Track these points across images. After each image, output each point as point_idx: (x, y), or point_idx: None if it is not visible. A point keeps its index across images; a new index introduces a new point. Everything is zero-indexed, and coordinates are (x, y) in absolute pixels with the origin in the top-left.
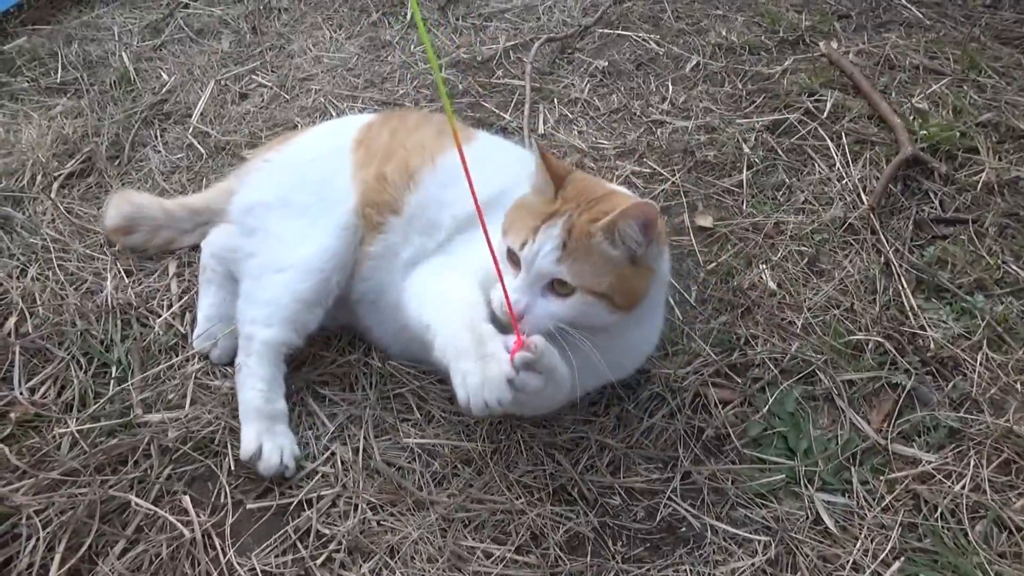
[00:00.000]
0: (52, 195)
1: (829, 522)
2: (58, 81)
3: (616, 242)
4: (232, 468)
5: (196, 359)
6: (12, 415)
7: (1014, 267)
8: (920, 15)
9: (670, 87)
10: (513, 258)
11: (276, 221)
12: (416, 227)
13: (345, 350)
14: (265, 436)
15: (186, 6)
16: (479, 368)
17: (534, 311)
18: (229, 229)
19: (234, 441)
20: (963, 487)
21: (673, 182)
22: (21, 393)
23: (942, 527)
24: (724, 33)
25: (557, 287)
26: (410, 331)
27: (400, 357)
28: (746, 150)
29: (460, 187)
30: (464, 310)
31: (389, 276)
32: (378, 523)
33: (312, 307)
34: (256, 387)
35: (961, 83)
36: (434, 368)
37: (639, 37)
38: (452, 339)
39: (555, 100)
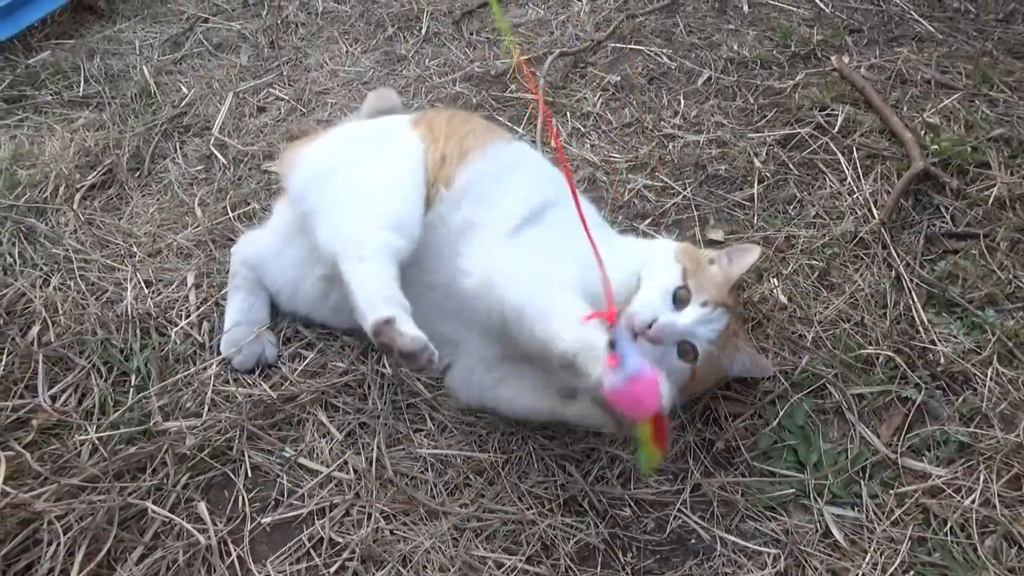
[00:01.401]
0: (74, 206)
1: (838, 535)
2: (80, 94)
3: (731, 362)
4: (249, 474)
5: (213, 368)
6: (34, 422)
7: None
8: (932, 29)
9: (682, 101)
10: (682, 299)
11: (343, 177)
12: (467, 197)
13: (357, 360)
14: (398, 317)
15: (206, 21)
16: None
17: (668, 348)
18: (260, 236)
19: (251, 448)
20: (973, 501)
21: (684, 196)
22: (44, 401)
23: (952, 541)
24: (736, 47)
25: (683, 350)
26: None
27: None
28: (757, 164)
29: (522, 175)
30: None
31: (433, 247)
32: (391, 532)
33: (415, 221)
34: (368, 283)
35: (973, 97)
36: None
37: (651, 51)
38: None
39: (568, 114)
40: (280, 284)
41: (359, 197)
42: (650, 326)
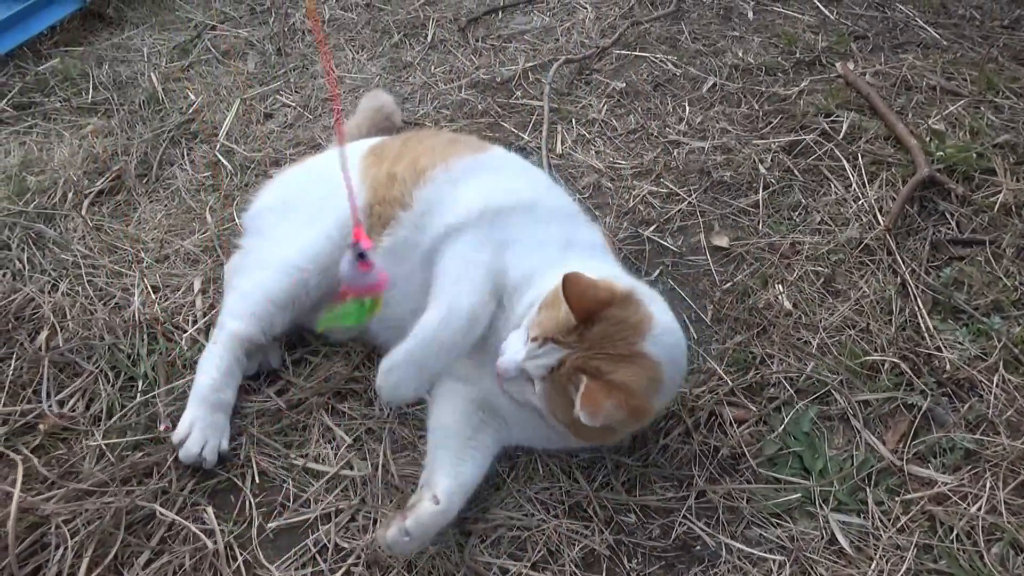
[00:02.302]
0: (83, 212)
1: (844, 542)
2: (89, 101)
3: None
4: (256, 479)
5: None
6: (42, 427)
7: None
8: (937, 36)
9: (687, 108)
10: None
11: (274, 223)
12: (430, 216)
13: (362, 365)
14: (197, 424)
15: (213, 28)
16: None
17: (515, 384)
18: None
19: (258, 453)
20: (979, 509)
21: (690, 202)
22: (51, 406)
23: (958, 549)
24: (741, 54)
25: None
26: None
27: None
28: (762, 171)
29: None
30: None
31: (403, 268)
32: None
33: (282, 308)
34: (210, 373)
35: (978, 104)
36: None
37: (656, 58)
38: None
39: (573, 120)
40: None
41: (253, 268)
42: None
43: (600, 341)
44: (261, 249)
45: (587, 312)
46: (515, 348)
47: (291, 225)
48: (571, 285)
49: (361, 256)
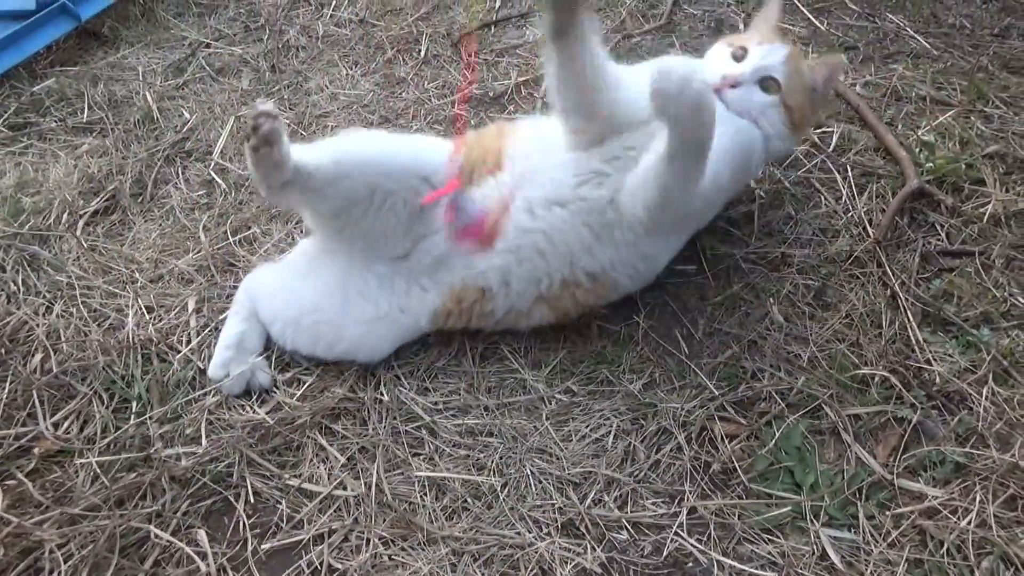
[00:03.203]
0: (78, 233)
1: (835, 558)
2: (84, 121)
3: (815, 76)
4: (251, 500)
5: (213, 393)
6: (36, 450)
7: (1021, 300)
8: (927, 45)
9: None
10: (738, 55)
11: None
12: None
13: (355, 386)
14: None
15: (207, 46)
16: None
17: (749, 88)
18: (271, 267)
19: (252, 474)
20: (969, 523)
21: None
22: (46, 428)
23: (948, 563)
24: None
25: (765, 86)
26: None
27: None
28: (752, 183)
29: None
30: None
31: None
32: (389, 558)
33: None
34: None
35: (968, 114)
36: None
37: None
38: None
39: None
40: (274, 313)
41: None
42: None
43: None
44: None
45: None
46: (720, 68)
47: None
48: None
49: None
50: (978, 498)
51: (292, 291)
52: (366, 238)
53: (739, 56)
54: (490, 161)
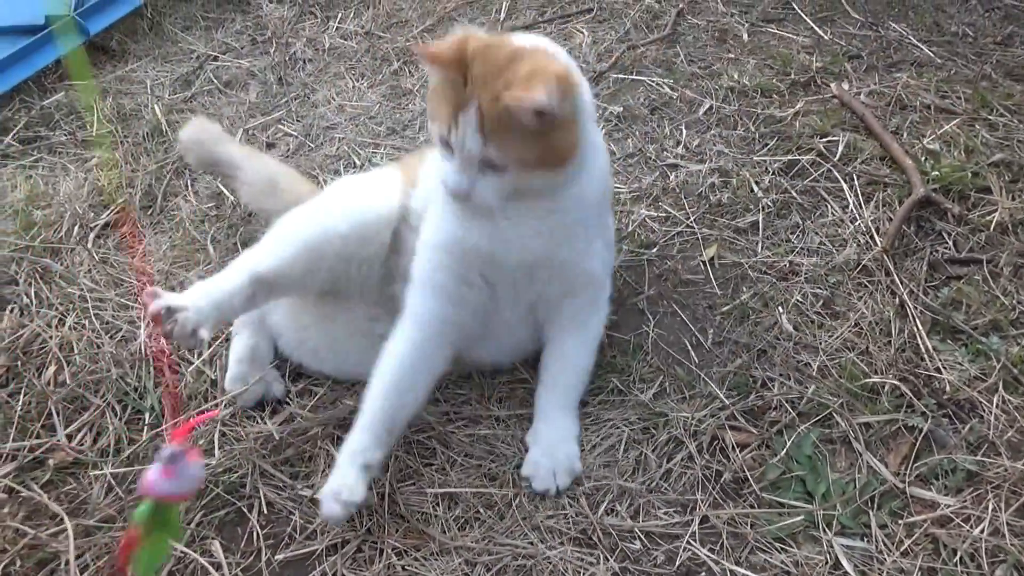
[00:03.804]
0: (89, 245)
1: (848, 567)
2: (93, 134)
3: (526, 117)
4: (264, 511)
5: (225, 405)
6: (51, 461)
7: None
8: (931, 54)
9: (684, 131)
10: (445, 144)
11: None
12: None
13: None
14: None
15: (215, 59)
16: None
17: (477, 191)
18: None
19: (265, 485)
20: (982, 531)
21: (688, 224)
22: (60, 440)
23: (962, 572)
24: (736, 76)
25: (492, 164)
26: None
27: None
28: (759, 192)
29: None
30: None
31: None
32: (403, 568)
33: (308, 251)
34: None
35: (973, 122)
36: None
37: (653, 82)
38: None
39: None
40: (282, 327)
41: (289, 220)
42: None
43: (484, 73)
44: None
45: (458, 61)
46: (440, 169)
47: (331, 194)
48: (426, 53)
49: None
50: (991, 506)
51: (295, 312)
52: (353, 293)
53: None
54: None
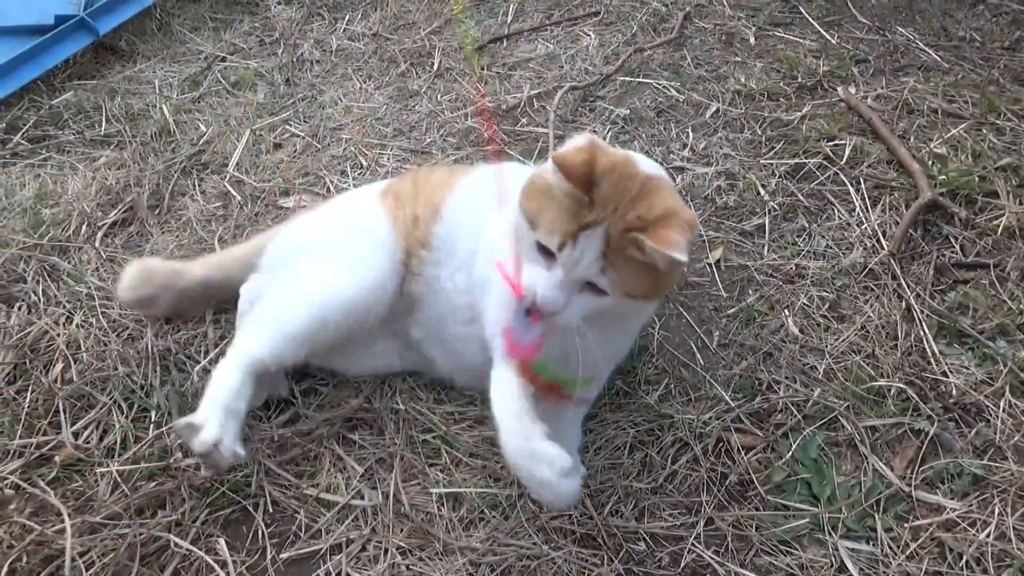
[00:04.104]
0: (96, 244)
1: (854, 570)
2: (102, 133)
3: (663, 263)
4: (269, 509)
5: None
6: (57, 459)
7: None
8: (938, 58)
9: (690, 134)
10: (546, 252)
11: (307, 264)
12: (444, 255)
13: (372, 396)
14: (211, 422)
15: (223, 60)
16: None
17: (571, 309)
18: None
19: (270, 484)
20: (988, 535)
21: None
22: (66, 437)
23: None
24: (743, 80)
25: (595, 288)
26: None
27: (465, 388)
28: (765, 196)
29: (474, 209)
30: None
31: (439, 308)
32: (407, 567)
33: (300, 342)
34: (223, 383)
35: (980, 126)
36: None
37: (659, 85)
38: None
39: None
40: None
41: (275, 300)
42: (548, 309)
43: (615, 197)
44: (288, 282)
45: (588, 177)
46: (538, 276)
47: (324, 264)
48: (561, 163)
49: (528, 312)
50: (997, 511)
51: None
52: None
53: (547, 252)
54: (420, 232)
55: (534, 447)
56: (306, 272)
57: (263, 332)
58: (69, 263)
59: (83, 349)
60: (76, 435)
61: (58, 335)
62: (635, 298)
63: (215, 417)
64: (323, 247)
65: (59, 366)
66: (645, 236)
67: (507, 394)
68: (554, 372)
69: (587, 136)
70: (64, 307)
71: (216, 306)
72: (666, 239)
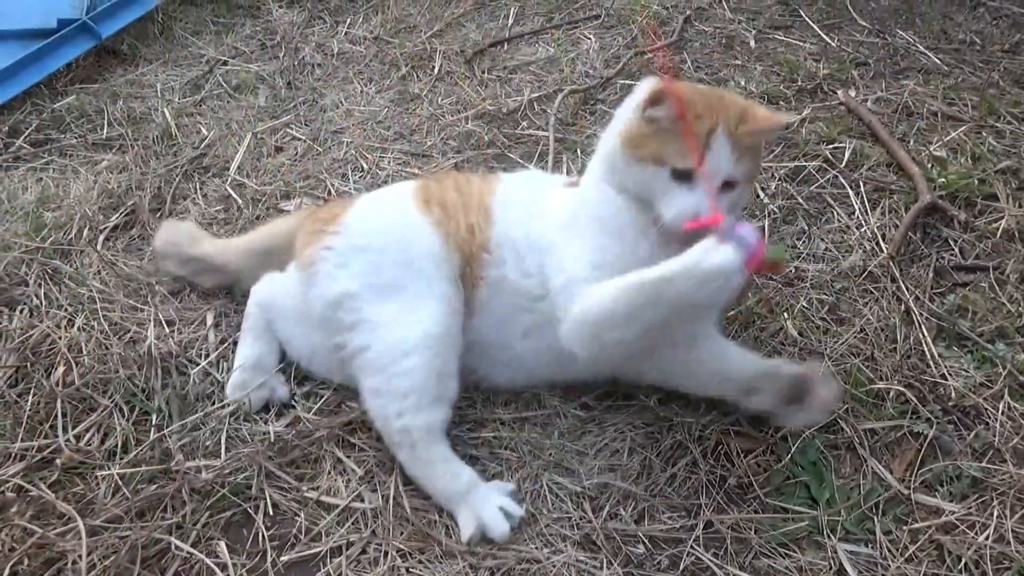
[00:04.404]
0: (98, 247)
1: (852, 573)
2: (104, 137)
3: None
4: (270, 512)
5: (231, 406)
6: (58, 461)
7: None
8: (938, 61)
9: None
10: (681, 176)
11: (374, 308)
12: (507, 252)
13: None
14: (478, 510)
15: (225, 63)
16: None
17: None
18: (280, 279)
19: (270, 486)
20: (987, 538)
21: None
22: (67, 440)
23: None
24: (743, 83)
25: (731, 183)
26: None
27: (520, 388)
28: (765, 199)
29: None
30: None
31: (503, 306)
32: (407, 571)
33: (453, 375)
34: (440, 473)
35: (980, 129)
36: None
37: None
38: None
39: (578, 150)
40: (290, 335)
41: (398, 358)
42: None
43: (709, 104)
44: (384, 338)
45: (684, 96)
46: (694, 197)
47: (397, 301)
48: (660, 96)
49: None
50: (996, 513)
51: (308, 327)
52: None
53: (685, 174)
54: (480, 238)
55: None
56: (388, 318)
57: (423, 396)
58: (71, 266)
59: (84, 352)
60: (77, 438)
61: (59, 338)
62: (751, 182)
63: (480, 507)
64: (380, 287)
65: (60, 369)
66: (755, 118)
67: None
68: (775, 253)
69: (648, 80)
70: (66, 310)
71: (218, 308)
72: (766, 114)
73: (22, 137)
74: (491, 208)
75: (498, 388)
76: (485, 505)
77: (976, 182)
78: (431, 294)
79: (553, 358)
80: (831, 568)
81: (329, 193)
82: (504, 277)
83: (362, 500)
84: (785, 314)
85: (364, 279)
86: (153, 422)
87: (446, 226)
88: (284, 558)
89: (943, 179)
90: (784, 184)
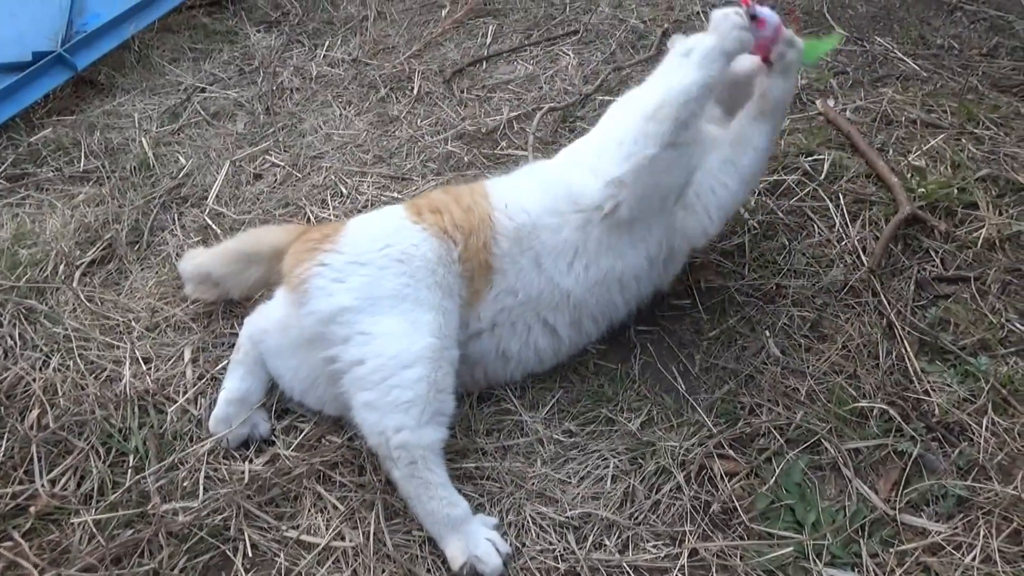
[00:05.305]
0: (74, 284)
1: None
2: (81, 169)
3: None
4: (249, 553)
5: (210, 444)
6: (32, 509)
7: (1018, 325)
8: (917, 67)
9: None
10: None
11: (371, 321)
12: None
13: (355, 435)
14: (470, 543)
15: (203, 90)
16: None
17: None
18: (271, 311)
19: (249, 526)
20: (974, 559)
21: None
22: (43, 485)
23: None
24: None
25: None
26: None
27: (544, 358)
28: (745, 214)
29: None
30: None
31: (535, 254)
32: None
33: (450, 391)
34: (438, 496)
35: (959, 136)
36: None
37: None
38: None
39: None
40: (283, 369)
41: (397, 370)
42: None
43: None
44: (381, 350)
45: None
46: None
47: (396, 313)
48: None
49: (752, 17)
50: (982, 533)
51: (302, 357)
52: None
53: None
54: (479, 213)
55: None
56: (386, 330)
57: (422, 412)
58: (46, 305)
59: (60, 393)
60: (52, 483)
61: (34, 379)
62: None
63: (470, 540)
64: (378, 300)
65: (35, 412)
66: None
67: None
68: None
69: None
70: (41, 350)
71: (195, 343)
72: None
73: None
74: (486, 189)
75: (513, 372)
76: (479, 538)
77: (956, 191)
78: (431, 306)
79: (606, 269)
80: None
81: (308, 220)
82: (521, 226)
83: (343, 538)
84: (767, 332)
85: (362, 292)
86: (131, 463)
87: (440, 224)
88: None
89: (923, 189)
90: (763, 198)
